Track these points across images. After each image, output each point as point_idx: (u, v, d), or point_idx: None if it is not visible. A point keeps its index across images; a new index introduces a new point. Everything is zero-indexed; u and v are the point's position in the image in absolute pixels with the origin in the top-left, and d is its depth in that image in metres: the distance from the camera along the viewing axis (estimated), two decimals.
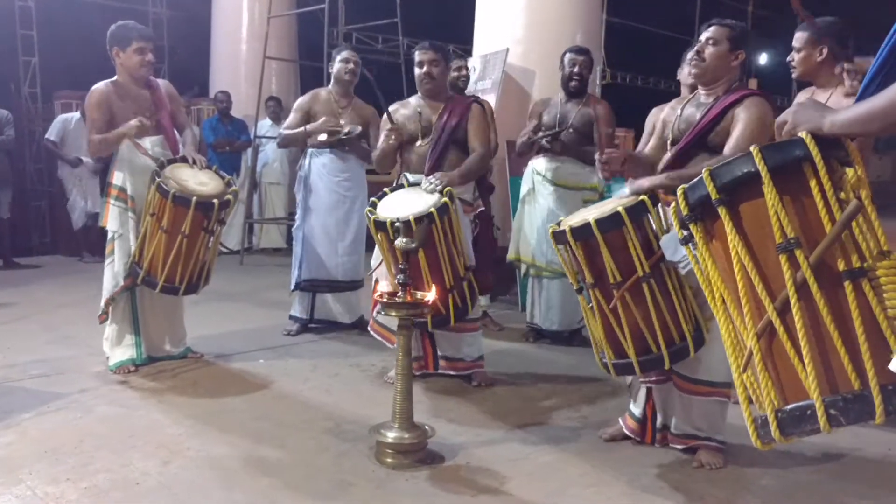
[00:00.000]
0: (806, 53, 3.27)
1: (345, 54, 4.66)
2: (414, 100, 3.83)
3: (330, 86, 4.76)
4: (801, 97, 3.56)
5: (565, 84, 4.57)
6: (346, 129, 4.50)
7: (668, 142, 2.96)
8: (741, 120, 2.75)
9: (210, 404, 3.40)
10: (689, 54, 4.01)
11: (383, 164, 3.84)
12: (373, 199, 3.55)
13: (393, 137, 3.68)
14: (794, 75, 3.40)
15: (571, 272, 2.78)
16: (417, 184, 3.58)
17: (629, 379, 3.00)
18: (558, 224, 2.79)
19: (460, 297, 3.47)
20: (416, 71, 3.74)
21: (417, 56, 3.74)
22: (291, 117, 4.71)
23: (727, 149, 2.74)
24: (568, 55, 4.58)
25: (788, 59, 3.37)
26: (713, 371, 2.75)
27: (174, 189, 3.56)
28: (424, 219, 3.23)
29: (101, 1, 9.36)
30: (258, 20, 9.34)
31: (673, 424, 2.90)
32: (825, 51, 3.21)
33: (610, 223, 2.58)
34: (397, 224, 2.96)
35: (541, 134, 4.52)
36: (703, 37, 2.88)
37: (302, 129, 4.57)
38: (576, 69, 4.51)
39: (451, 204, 3.34)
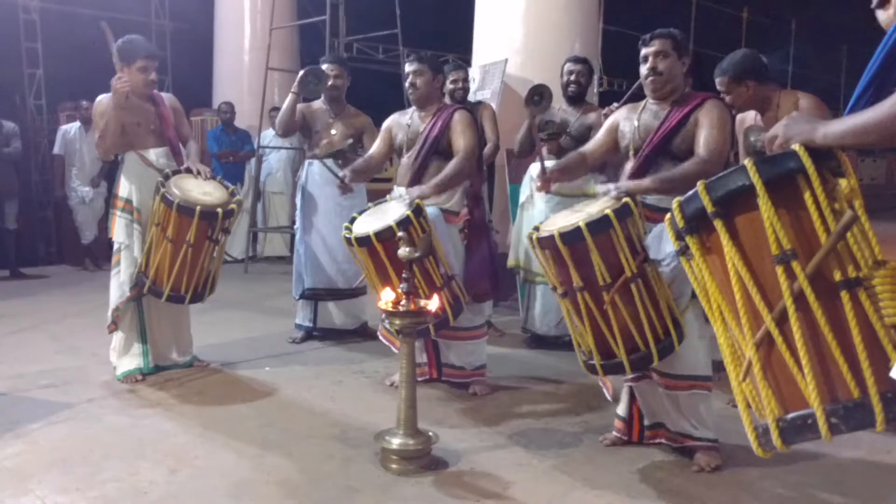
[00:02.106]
0: (736, 94, 3.39)
1: (325, 69, 4.68)
2: (411, 110, 3.90)
3: (322, 98, 4.80)
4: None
5: (564, 91, 4.67)
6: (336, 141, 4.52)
7: (629, 151, 3.03)
8: (706, 123, 2.85)
9: (217, 412, 3.44)
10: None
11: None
12: (353, 214, 3.61)
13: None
14: (736, 114, 3.50)
15: (554, 277, 2.81)
16: (385, 201, 3.68)
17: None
18: (536, 229, 2.82)
19: (439, 307, 3.45)
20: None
21: (405, 68, 3.85)
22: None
23: (701, 149, 2.83)
24: (566, 64, 4.69)
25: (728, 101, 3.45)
26: (692, 365, 2.82)
27: (178, 199, 3.60)
28: (385, 233, 3.28)
29: (105, 13, 9.41)
30: (260, 31, 9.40)
31: (669, 423, 2.95)
32: (751, 84, 3.35)
33: (599, 226, 2.62)
34: (402, 234, 3.00)
35: (540, 134, 4.58)
36: (648, 51, 2.94)
37: (290, 100, 4.62)
38: (573, 77, 4.62)
39: (416, 218, 3.33)
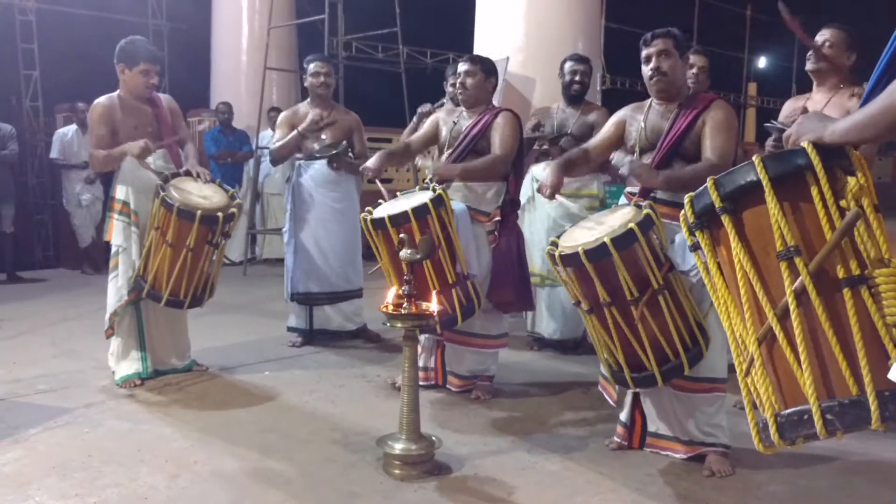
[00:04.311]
0: (838, 51, 3.32)
1: (314, 67, 4.62)
2: (461, 110, 3.85)
3: (308, 99, 4.73)
4: (790, 105, 3.60)
5: (566, 91, 4.60)
6: (336, 144, 4.51)
7: (636, 151, 3.00)
8: (714, 125, 2.84)
9: (216, 417, 3.41)
10: None
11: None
12: (368, 208, 3.58)
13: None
14: (813, 66, 3.41)
15: (578, 293, 2.75)
16: (413, 191, 3.63)
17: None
18: (555, 246, 2.77)
19: (449, 304, 3.42)
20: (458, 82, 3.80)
21: (458, 67, 3.80)
22: (279, 133, 4.71)
23: (709, 152, 2.82)
24: (568, 63, 4.61)
25: (809, 55, 3.40)
26: (712, 367, 2.80)
27: (178, 203, 3.57)
28: (400, 218, 3.28)
29: (102, 14, 9.41)
30: (258, 31, 9.38)
31: (680, 433, 2.91)
32: (853, 57, 3.29)
33: (625, 240, 2.58)
34: (403, 236, 2.96)
35: (537, 136, 4.55)
36: (651, 51, 2.89)
37: (294, 133, 4.54)
38: (577, 77, 4.55)
39: (434, 209, 3.30)
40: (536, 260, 4.51)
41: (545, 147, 4.54)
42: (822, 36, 3.37)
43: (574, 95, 4.58)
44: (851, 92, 3.27)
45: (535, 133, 4.63)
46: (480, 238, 3.66)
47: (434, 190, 3.42)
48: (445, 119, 3.87)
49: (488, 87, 3.79)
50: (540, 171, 4.58)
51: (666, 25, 2.96)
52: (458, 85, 3.76)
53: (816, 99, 3.46)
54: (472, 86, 3.72)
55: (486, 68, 3.76)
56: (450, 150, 3.75)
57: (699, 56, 3.94)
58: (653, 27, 2.96)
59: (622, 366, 2.74)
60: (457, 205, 3.53)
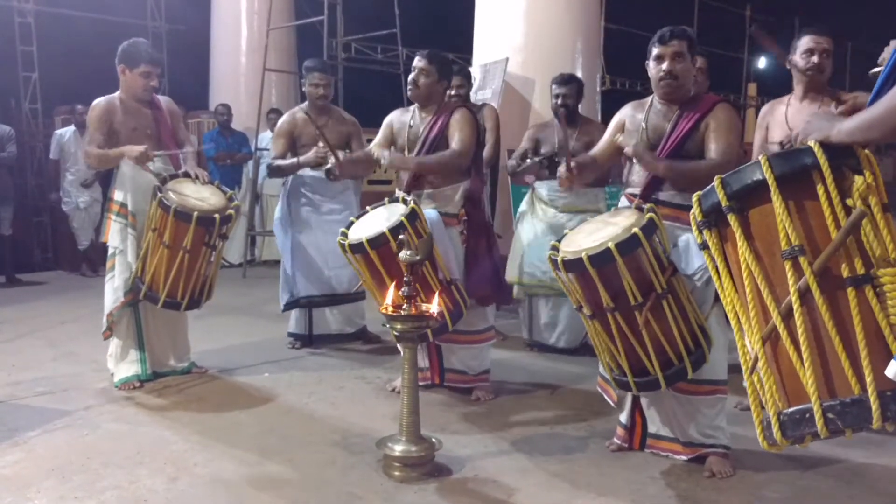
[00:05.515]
0: (831, 58, 3.31)
1: (314, 78, 4.58)
2: (413, 108, 3.79)
3: (305, 105, 4.70)
4: (767, 108, 3.56)
5: (554, 112, 4.58)
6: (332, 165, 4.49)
7: None
8: (719, 127, 2.81)
9: (216, 419, 3.40)
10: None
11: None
12: (342, 229, 3.53)
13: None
14: (815, 76, 3.33)
15: (581, 298, 2.73)
16: (382, 204, 3.60)
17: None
18: (556, 250, 2.73)
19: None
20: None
21: (414, 62, 3.73)
22: (277, 146, 4.67)
23: (713, 154, 2.80)
24: (553, 86, 4.59)
25: (811, 63, 3.28)
26: (713, 370, 2.79)
27: (175, 204, 3.56)
28: (378, 240, 3.24)
29: (101, 16, 9.40)
30: (257, 32, 9.39)
31: (680, 434, 2.90)
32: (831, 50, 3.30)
33: (629, 245, 2.55)
34: (402, 237, 2.95)
35: (528, 165, 4.52)
36: (665, 52, 2.82)
37: (294, 161, 4.54)
38: (559, 101, 4.53)
39: (410, 223, 3.25)
40: (539, 270, 4.46)
41: (545, 166, 4.50)
42: (819, 44, 3.27)
43: (561, 117, 4.52)
44: (835, 96, 3.25)
45: (525, 162, 4.57)
46: (455, 240, 3.66)
47: (405, 202, 3.40)
48: (401, 121, 3.81)
49: (440, 90, 3.71)
50: (545, 192, 4.54)
51: (666, 26, 2.90)
52: (409, 80, 3.69)
53: (804, 105, 3.35)
54: (425, 85, 3.65)
55: (442, 70, 3.68)
56: (410, 155, 3.69)
57: (696, 57, 3.93)
58: (652, 28, 2.92)
59: (625, 370, 2.72)
60: (429, 213, 3.51)
